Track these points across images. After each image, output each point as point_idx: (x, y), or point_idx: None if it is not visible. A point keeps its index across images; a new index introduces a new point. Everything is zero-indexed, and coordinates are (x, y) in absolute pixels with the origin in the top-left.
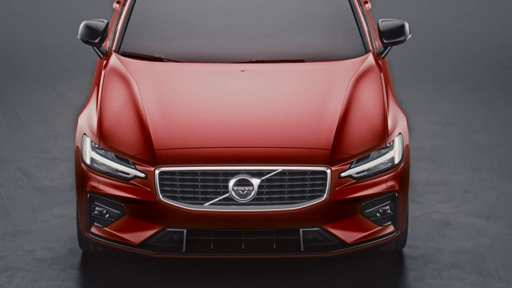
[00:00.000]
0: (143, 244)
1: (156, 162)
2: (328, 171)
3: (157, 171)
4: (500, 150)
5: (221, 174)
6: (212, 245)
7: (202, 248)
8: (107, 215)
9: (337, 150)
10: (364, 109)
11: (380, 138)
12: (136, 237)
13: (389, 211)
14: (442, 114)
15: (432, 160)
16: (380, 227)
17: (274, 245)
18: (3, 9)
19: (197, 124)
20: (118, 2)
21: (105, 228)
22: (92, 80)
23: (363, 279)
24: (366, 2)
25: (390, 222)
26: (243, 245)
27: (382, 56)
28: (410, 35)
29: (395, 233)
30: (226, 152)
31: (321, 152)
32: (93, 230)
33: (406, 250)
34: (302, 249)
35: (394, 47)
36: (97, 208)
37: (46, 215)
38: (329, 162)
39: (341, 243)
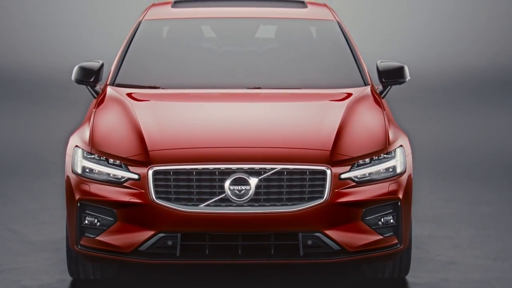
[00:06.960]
0: (135, 251)
1: (150, 162)
2: (328, 171)
3: (150, 171)
4: (507, 218)
5: (217, 173)
6: (207, 250)
7: (197, 253)
8: (98, 224)
9: (337, 152)
10: (364, 119)
11: (381, 144)
12: (128, 244)
13: (391, 220)
14: (444, 193)
15: (436, 222)
16: (383, 237)
17: (272, 250)
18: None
19: (193, 126)
20: None
21: (96, 238)
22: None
23: None
24: None
25: (392, 233)
26: (239, 250)
27: (382, 96)
28: (409, 77)
29: (398, 246)
30: (222, 151)
31: (321, 153)
32: (83, 242)
33: (409, 278)
34: (301, 254)
35: None
36: (87, 218)
37: (34, 258)
38: (329, 162)
39: (342, 250)
